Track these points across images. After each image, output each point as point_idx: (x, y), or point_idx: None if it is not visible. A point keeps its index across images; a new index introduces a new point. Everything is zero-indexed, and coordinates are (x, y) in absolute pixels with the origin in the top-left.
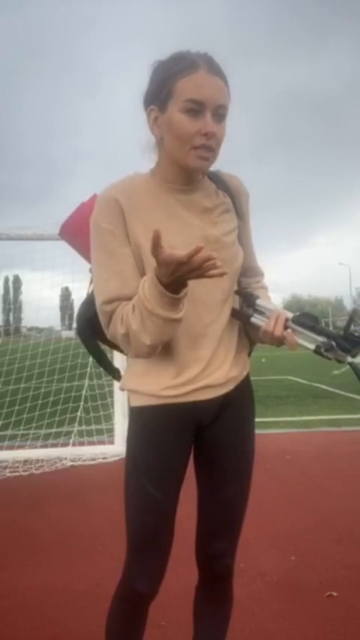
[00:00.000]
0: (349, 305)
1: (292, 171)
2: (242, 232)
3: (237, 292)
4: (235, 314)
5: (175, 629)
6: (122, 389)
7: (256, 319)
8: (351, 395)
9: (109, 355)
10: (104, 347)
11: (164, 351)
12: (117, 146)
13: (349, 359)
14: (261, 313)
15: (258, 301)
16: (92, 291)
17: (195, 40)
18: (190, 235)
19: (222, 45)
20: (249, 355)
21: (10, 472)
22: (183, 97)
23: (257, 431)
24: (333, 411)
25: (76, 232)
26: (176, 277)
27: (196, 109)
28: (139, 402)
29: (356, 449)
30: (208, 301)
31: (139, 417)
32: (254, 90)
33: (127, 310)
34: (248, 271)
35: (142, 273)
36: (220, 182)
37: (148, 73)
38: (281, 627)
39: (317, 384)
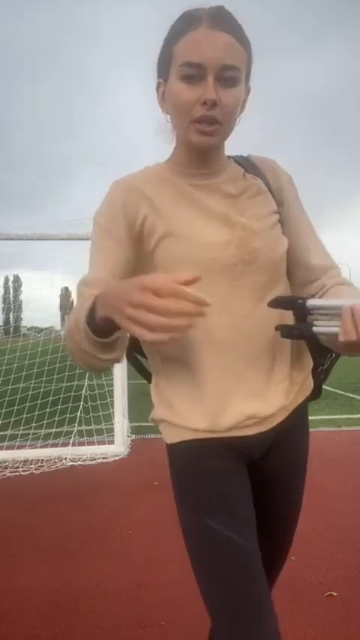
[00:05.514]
0: None
1: (291, 172)
2: (286, 221)
3: (270, 303)
4: (284, 332)
5: (175, 629)
6: (152, 420)
7: (320, 327)
8: (351, 395)
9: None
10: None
11: (182, 369)
12: (115, 147)
13: None
14: (324, 315)
15: (309, 302)
16: None
17: None
18: (211, 217)
19: None
20: (324, 375)
21: (10, 472)
22: (180, 61)
23: None
24: (333, 411)
25: None
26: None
27: (194, 74)
28: (175, 436)
29: (356, 449)
30: (228, 297)
31: (179, 455)
32: (255, 89)
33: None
34: (311, 272)
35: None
36: (249, 166)
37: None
38: (281, 627)
39: None
